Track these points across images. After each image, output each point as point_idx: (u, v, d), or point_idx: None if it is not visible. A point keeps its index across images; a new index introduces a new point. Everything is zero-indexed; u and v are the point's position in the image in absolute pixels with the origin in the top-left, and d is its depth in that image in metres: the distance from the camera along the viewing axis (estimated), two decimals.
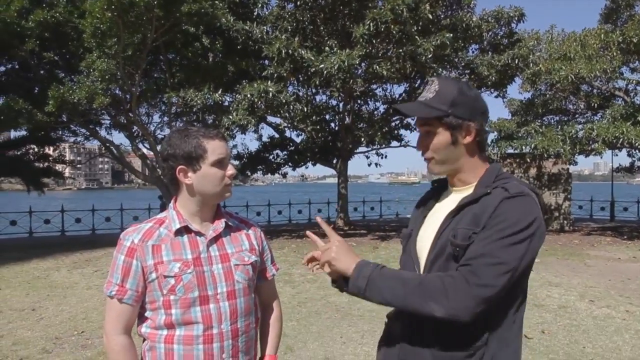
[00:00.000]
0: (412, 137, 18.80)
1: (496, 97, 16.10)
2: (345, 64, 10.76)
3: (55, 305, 6.19)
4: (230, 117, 11.59)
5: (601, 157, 14.08)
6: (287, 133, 17.48)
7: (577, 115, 16.69)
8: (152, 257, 1.40)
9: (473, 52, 15.34)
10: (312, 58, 11.26)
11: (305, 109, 12.98)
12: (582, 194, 24.92)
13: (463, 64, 14.43)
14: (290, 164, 17.38)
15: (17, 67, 14.60)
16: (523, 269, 1.20)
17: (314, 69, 11.21)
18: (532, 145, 12.27)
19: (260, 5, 13.58)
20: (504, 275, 1.16)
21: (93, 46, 11.28)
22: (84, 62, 11.60)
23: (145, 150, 16.13)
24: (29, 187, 16.86)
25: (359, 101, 16.24)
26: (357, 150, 17.09)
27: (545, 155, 12.38)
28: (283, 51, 11.21)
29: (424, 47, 11.44)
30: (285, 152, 17.49)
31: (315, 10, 13.18)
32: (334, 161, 16.59)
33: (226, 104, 13.01)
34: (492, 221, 1.19)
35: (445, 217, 1.31)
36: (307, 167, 17.87)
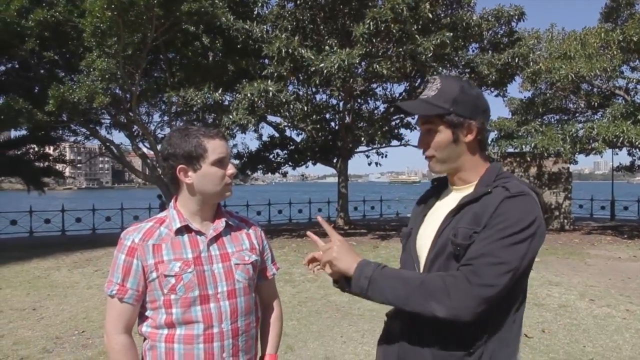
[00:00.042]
0: (412, 136, 18.85)
1: (496, 96, 16.11)
2: (346, 63, 10.76)
3: (56, 304, 6.20)
4: (231, 116, 11.59)
5: (601, 156, 14.10)
6: (287, 132, 17.49)
7: (577, 114, 16.69)
8: (153, 256, 1.40)
9: (473, 51, 15.34)
10: (312, 57, 11.26)
11: (306, 108, 12.97)
12: (582, 193, 24.93)
13: (463, 63, 14.43)
14: (290, 163, 17.38)
15: (17, 66, 14.61)
16: (524, 268, 1.21)
17: (314, 68, 11.20)
18: (532, 145, 12.26)
19: (260, 4, 13.58)
20: (506, 274, 1.16)
21: (93, 45, 11.28)
22: (84, 62, 11.60)
23: (145, 150, 16.14)
24: (29, 187, 16.87)
25: (359, 100, 16.24)
26: (357, 150, 17.09)
27: (546, 154, 12.38)
28: (283, 50, 11.20)
29: (424, 46, 11.44)
30: (285, 152, 17.50)
31: (315, 9, 13.17)
32: (334, 160, 16.59)
33: (226, 103, 13.01)
34: (493, 221, 1.19)
35: (445, 216, 1.31)
36: (307, 167, 17.89)
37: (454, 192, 1.38)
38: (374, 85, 15.87)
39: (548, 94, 15.21)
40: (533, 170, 15.52)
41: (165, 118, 16.67)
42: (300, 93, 14.81)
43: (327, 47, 12.15)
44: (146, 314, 1.44)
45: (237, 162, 16.62)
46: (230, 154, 1.51)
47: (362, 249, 10.74)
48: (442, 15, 13.70)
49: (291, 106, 12.04)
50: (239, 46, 12.80)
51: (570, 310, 5.71)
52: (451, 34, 11.80)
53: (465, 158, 1.33)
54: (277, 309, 1.70)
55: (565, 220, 15.31)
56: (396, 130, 17.33)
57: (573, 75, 11.99)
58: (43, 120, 12.26)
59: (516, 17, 14.08)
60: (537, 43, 14.92)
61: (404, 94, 16.13)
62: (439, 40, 11.47)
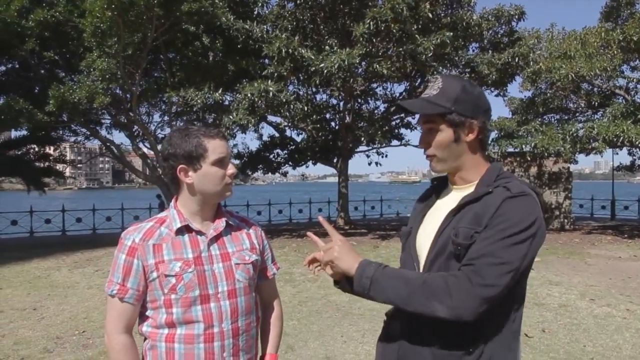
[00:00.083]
0: (412, 136, 18.87)
1: (496, 95, 16.10)
2: (346, 63, 10.76)
3: (57, 304, 6.20)
4: (231, 116, 11.60)
5: (602, 156, 14.09)
6: (288, 132, 17.51)
7: (577, 114, 16.68)
8: (153, 256, 1.40)
9: (473, 50, 15.34)
10: (312, 57, 11.26)
11: (306, 108, 12.97)
12: (582, 192, 24.94)
13: (463, 63, 14.43)
14: (290, 163, 17.39)
15: (17, 66, 14.62)
16: (524, 268, 1.21)
17: (314, 68, 11.20)
18: (532, 144, 12.26)
19: (260, 4, 13.58)
20: (507, 274, 1.17)
21: (93, 45, 11.28)
22: (84, 62, 11.61)
23: (145, 150, 16.14)
24: (29, 187, 16.88)
25: (359, 100, 16.24)
26: (358, 149, 17.10)
27: (546, 154, 12.38)
28: (283, 50, 11.20)
29: (424, 45, 11.43)
30: (285, 151, 17.51)
31: (315, 9, 13.17)
32: (335, 160, 16.60)
33: (226, 103, 13.02)
34: (494, 221, 1.20)
35: (446, 216, 1.31)
36: (307, 166, 17.91)
37: (454, 192, 1.38)
38: (374, 85, 15.88)
39: (548, 94, 15.20)
40: (533, 170, 15.51)
41: (166, 118, 16.68)
42: (301, 93, 14.81)
43: (327, 47, 12.15)
44: (147, 313, 1.44)
45: (237, 162, 16.63)
46: (230, 154, 1.51)
47: (362, 248, 10.73)
48: (442, 15, 13.70)
49: (291, 106, 12.04)
50: (239, 46, 12.80)
51: (570, 310, 5.71)
52: (451, 33, 11.80)
53: (466, 157, 1.34)
54: (277, 308, 1.70)
55: (566, 220, 15.31)
56: (396, 130, 17.35)
57: (573, 75, 11.99)
58: (43, 121, 12.27)
59: (516, 16, 14.08)
60: (537, 43, 14.92)
61: (404, 93, 16.13)
62: (439, 40, 11.47)
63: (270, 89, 11.16)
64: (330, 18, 13.49)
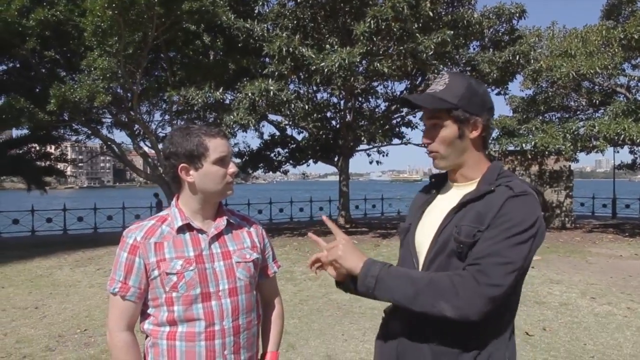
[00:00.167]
0: (413, 134, 18.81)
1: (497, 94, 16.08)
2: (346, 61, 10.76)
3: (58, 303, 6.22)
4: (232, 116, 11.61)
5: (603, 154, 14.08)
6: (289, 131, 17.51)
7: (578, 112, 16.65)
8: (155, 254, 1.41)
9: (474, 49, 15.33)
10: (313, 56, 11.26)
11: (307, 107, 12.99)
12: (583, 191, 24.90)
13: (464, 61, 14.41)
14: (291, 161, 17.40)
15: (18, 66, 14.63)
16: (526, 267, 1.22)
17: (314, 67, 11.21)
18: (533, 143, 12.25)
19: (260, 3, 13.58)
20: (512, 274, 1.18)
21: (94, 44, 11.29)
22: (85, 61, 11.61)
23: (146, 149, 16.15)
24: (30, 186, 16.90)
25: (360, 99, 16.24)
26: (359, 148, 17.10)
27: (547, 153, 12.36)
28: (284, 49, 11.20)
29: (424, 44, 11.43)
30: (286, 150, 17.52)
31: (315, 7, 13.16)
32: (335, 159, 16.60)
33: (227, 102, 13.03)
34: (498, 220, 1.20)
35: (447, 214, 1.31)
36: (308, 165, 17.92)
37: (455, 189, 1.39)
38: (375, 84, 15.86)
39: (549, 92, 15.17)
40: (534, 169, 15.50)
41: (166, 117, 16.69)
42: (301, 92, 14.81)
43: (327, 46, 12.16)
44: (148, 311, 1.45)
45: (238, 160, 16.65)
46: (231, 153, 1.51)
47: (363, 247, 10.73)
48: (443, 13, 13.68)
49: (292, 105, 12.04)
50: (239, 45, 12.80)
51: (571, 309, 5.71)
52: (452, 32, 11.80)
53: (468, 155, 1.34)
54: (278, 306, 1.71)
55: (567, 219, 15.29)
56: (397, 129, 17.35)
57: (574, 73, 11.97)
58: (44, 120, 12.29)
59: (517, 14, 14.06)
60: (538, 41, 14.88)
61: (405, 92, 16.12)
62: (439, 39, 11.46)
63: (271, 87, 11.17)
64: (330, 17, 13.48)
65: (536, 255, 1.28)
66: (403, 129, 17.61)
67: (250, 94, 11.26)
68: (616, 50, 12.12)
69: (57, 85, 11.34)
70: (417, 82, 15.34)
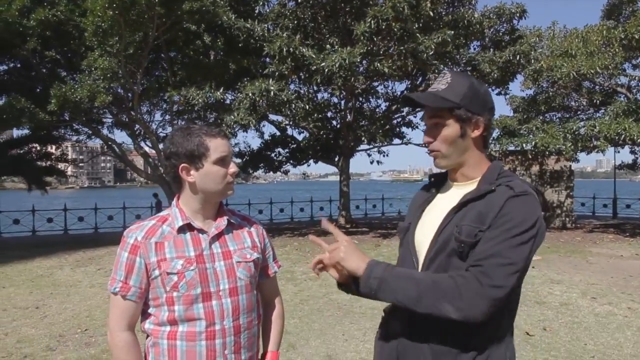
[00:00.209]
0: (413, 134, 18.79)
1: (498, 94, 16.07)
2: (347, 61, 10.76)
3: (59, 303, 6.23)
4: (232, 116, 11.61)
5: (603, 154, 14.07)
6: (289, 131, 17.53)
7: (579, 112, 16.65)
8: (155, 254, 1.41)
9: (474, 48, 15.32)
10: (314, 56, 11.27)
11: (307, 107, 12.99)
12: (584, 191, 24.89)
13: (464, 61, 14.41)
14: (292, 161, 17.41)
15: (19, 66, 14.64)
16: (526, 267, 1.22)
17: (315, 67, 11.21)
18: (533, 143, 12.24)
19: (261, 3, 13.57)
20: (514, 275, 1.18)
21: (95, 45, 11.30)
22: (85, 61, 11.62)
23: (147, 149, 16.16)
24: (30, 186, 16.91)
25: (360, 99, 16.24)
26: (359, 148, 17.11)
27: (547, 153, 12.36)
28: (284, 49, 11.20)
29: (425, 44, 11.42)
30: (287, 150, 17.53)
31: (316, 7, 13.17)
32: (336, 159, 16.61)
33: (228, 102, 13.03)
34: (499, 220, 1.20)
35: (447, 213, 1.31)
36: (308, 165, 17.93)
37: (455, 188, 1.39)
38: (376, 84, 15.87)
39: (550, 92, 15.17)
40: (535, 169, 15.50)
41: (167, 117, 16.69)
42: (302, 92, 14.82)
43: (328, 46, 12.16)
44: (149, 311, 1.45)
45: (238, 160, 16.65)
46: (232, 153, 1.51)
47: (364, 247, 10.74)
48: (444, 13, 13.68)
49: (292, 105, 12.05)
50: (240, 45, 12.80)
51: (571, 308, 5.71)
52: (452, 32, 11.79)
53: (470, 154, 1.34)
54: (278, 306, 1.71)
55: (567, 219, 15.29)
56: (398, 129, 17.35)
57: (575, 73, 11.97)
58: (45, 120, 12.30)
59: (518, 14, 14.05)
60: (538, 41, 14.88)
61: (405, 92, 16.11)
62: (440, 39, 11.46)
63: (272, 88, 11.17)
64: (331, 17, 13.48)
65: (537, 255, 1.28)
66: (404, 129, 17.63)
67: (250, 94, 11.26)
68: (617, 50, 12.11)
69: (58, 85, 11.34)
70: (418, 82, 15.34)
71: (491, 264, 1.17)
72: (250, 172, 18.31)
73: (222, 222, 1.51)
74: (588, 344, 4.49)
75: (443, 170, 1.44)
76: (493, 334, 1.26)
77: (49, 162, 17.48)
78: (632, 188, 51.50)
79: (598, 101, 14.98)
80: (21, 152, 16.75)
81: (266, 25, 12.88)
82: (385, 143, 17.12)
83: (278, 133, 17.61)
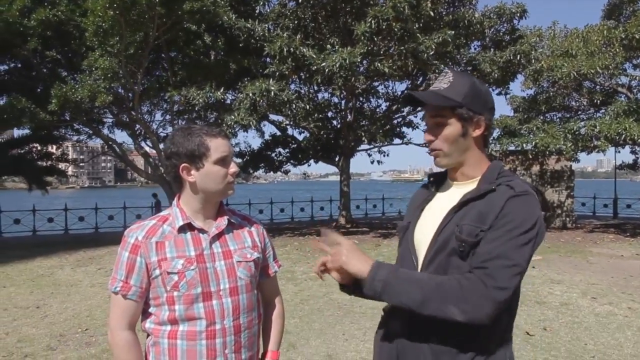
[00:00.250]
0: (414, 134, 18.78)
1: (498, 94, 16.06)
2: (347, 61, 10.76)
3: (60, 302, 6.23)
4: (233, 116, 11.62)
5: (604, 154, 14.07)
6: (289, 131, 17.53)
7: (579, 112, 16.64)
8: (156, 253, 1.41)
9: (475, 48, 15.32)
10: (314, 56, 11.27)
11: (307, 107, 12.98)
12: (584, 191, 24.88)
13: (465, 61, 14.40)
14: (292, 161, 17.41)
15: (19, 66, 14.65)
16: (527, 268, 1.23)
17: (315, 67, 11.21)
18: (534, 143, 12.24)
19: (261, 3, 13.58)
20: (517, 276, 1.18)
21: (95, 45, 11.31)
22: (86, 61, 11.63)
23: (147, 149, 16.18)
24: (31, 186, 16.92)
25: (360, 99, 16.24)
26: (359, 148, 17.11)
27: (547, 153, 12.35)
28: (285, 49, 11.21)
29: (425, 44, 11.42)
30: (287, 150, 17.54)
31: (316, 7, 13.17)
32: (336, 159, 16.61)
33: (228, 102, 13.03)
34: (501, 221, 1.21)
35: (447, 212, 1.31)
36: (309, 165, 17.94)
37: (455, 187, 1.39)
38: (376, 84, 15.87)
39: (550, 92, 15.16)
40: (535, 169, 15.49)
41: (167, 117, 16.70)
42: (302, 92, 14.83)
43: (328, 46, 12.16)
44: (149, 310, 1.46)
45: (239, 160, 16.66)
46: (232, 153, 1.52)
47: (364, 247, 10.74)
48: (444, 13, 13.68)
49: (293, 105, 12.05)
50: (240, 45, 12.81)
51: (572, 308, 5.71)
52: (453, 31, 11.79)
53: (470, 153, 1.34)
54: (279, 306, 1.71)
55: (568, 219, 15.28)
56: (398, 129, 17.35)
57: (575, 73, 11.96)
58: (46, 120, 12.31)
59: (518, 14, 14.05)
60: (539, 41, 14.87)
61: (406, 91, 16.11)
62: (440, 39, 11.46)
63: (272, 88, 11.18)
64: (331, 17, 13.48)
65: (537, 255, 1.28)
66: (404, 128, 17.63)
67: (251, 94, 11.26)
68: (617, 50, 12.10)
69: (59, 85, 11.35)
70: (418, 82, 15.34)
71: (495, 265, 1.17)
72: (251, 172, 18.33)
73: (223, 221, 1.52)
74: (588, 344, 4.49)
75: (442, 170, 1.44)
76: (493, 333, 1.26)
77: (49, 162, 17.49)
78: (633, 188, 51.46)
79: (598, 101, 14.97)
80: (22, 152, 16.76)
81: (267, 25, 12.88)
82: (386, 143, 17.12)
83: (278, 133, 17.62)
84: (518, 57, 13.36)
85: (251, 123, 11.74)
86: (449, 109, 1.31)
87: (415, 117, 16.88)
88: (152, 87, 13.90)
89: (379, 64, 11.80)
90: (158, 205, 15.31)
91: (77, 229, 16.18)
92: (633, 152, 18.11)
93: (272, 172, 18.69)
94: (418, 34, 11.51)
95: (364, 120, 15.88)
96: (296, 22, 13.40)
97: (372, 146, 17.65)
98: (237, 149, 17.31)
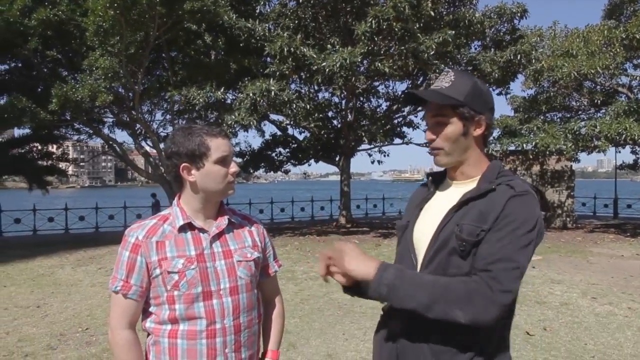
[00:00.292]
0: (414, 134, 18.79)
1: (499, 94, 16.06)
2: (348, 61, 10.77)
3: (60, 302, 6.24)
4: (233, 116, 11.62)
5: (604, 154, 14.06)
6: (290, 130, 17.53)
7: (580, 112, 16.64)
8: (156, 253, 1.42)
9: (475, 48, 15.32)
10: (314, 56, 11.27)
11: (308, 107, 12.99)
12: (585, 191, 24.88)
13: (465, 61, 14.40)
14: (292, 161, 17.42)
15: (20, 65, 14.67)
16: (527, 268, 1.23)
17: (316, 67, 11.21)
18: (534, 143, 12.24)
19: (262, 3, 13.58)
20: (519, 278, 1.19)
21: (96, 44, 11.31)
22: (86, 61, 11.63)
23: (148, 148, 16.19)
24: (31, 185, 16.93)
25: (361, 98, 16.25)
26: (360, 148, 17.12)
27: (548, 153, 12.35)
28: (285, 49, 11.21)
29: (426, 44, 11.42)
30: (287, 150, 17.55)
31: (317, 7, 13.17)
32: (337, 158, 16.62)
33: (228, 101, 13.04)
34: (502, 221, 1.21)
35: (447, 211, 1.31)
36: (309, 165, 17.96)
37: (454, 187, 1.39)
38: (376, 84, 15.88)
39: (551, 92, 15.16)
40: (536, 169, 15.49)
41: (168, 116, 16.72)
42: (303, 91, 14.83)
43: (329, 46, 12.16)
44: (150, 309, 1.46)
45: (239, 160, 16.67)
46: (232, 153, 1.52)
47: (364, 247, 10.74)
48: (444, 13, 13.68)
49: (293, 105, 12.05)
50: (241, 45, 12.81)
51: (572, 308, 5.71)
52: (453, 31, 11.79)
53: (471, 152, 1.35)
54: (279, 305, 1.72)
55: (568, 219, 15.28)
56: (398, 129, 17.36)
57: (575, 73, 11.95)
58: (46, 119, 12.32)
59: (518, 14, 14.05)
60: (539, 41, 14.86)
61: (407, 90, 16.10)
62: (441, 38, 11.46)
63: (272, 87, 11.18)
64: (332, 16, 13.48)
65: (537, 255, 1.29)
66: (404, 128, 17.65)
67: (251, 94, 11.27)
68: (618, 50, 12.10)
69: (59, 85, 11.36)
70: (419, 82, 15.35)
71: (500, 268, 1.17)
72: (251, 171, 18.34)
73: (223, 221, 1.52)
74: (588, 344, 4.49)
75: (442, 169, 1.44)
76: (493, 333, 1.26)
77: (50, 162, 17.50)
78: (633, 188, 51.46)
79: (599, 101, 14.97)
80: (22, 151, 16.77)
81: (267, 25, 12.89)
82: (386, 143, 17.13)
83: (279, 133, 17.62)
84: (518, 57, 13.36)
85: (251, 123, 11.75)
86: (451, 107, 1.31)
87: (416, 117, 16.90)
88: (152, 86, 13.91)
89: (379, 64, 11.80)
90: (157, 205, 15.32)
91: (78, 229, 16.19)
92: (633, 152, 18.10)
93: (272, 172, 18.70)
94: (418, 34, 11.51)
95: (365, 120, 15.89)
96: (297, 21, 13.40)
97: (372, 146, 17.67)
98: (237, 149, 17.31)
